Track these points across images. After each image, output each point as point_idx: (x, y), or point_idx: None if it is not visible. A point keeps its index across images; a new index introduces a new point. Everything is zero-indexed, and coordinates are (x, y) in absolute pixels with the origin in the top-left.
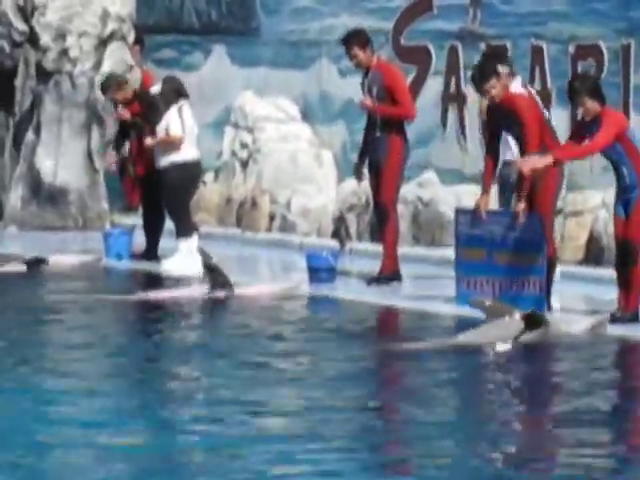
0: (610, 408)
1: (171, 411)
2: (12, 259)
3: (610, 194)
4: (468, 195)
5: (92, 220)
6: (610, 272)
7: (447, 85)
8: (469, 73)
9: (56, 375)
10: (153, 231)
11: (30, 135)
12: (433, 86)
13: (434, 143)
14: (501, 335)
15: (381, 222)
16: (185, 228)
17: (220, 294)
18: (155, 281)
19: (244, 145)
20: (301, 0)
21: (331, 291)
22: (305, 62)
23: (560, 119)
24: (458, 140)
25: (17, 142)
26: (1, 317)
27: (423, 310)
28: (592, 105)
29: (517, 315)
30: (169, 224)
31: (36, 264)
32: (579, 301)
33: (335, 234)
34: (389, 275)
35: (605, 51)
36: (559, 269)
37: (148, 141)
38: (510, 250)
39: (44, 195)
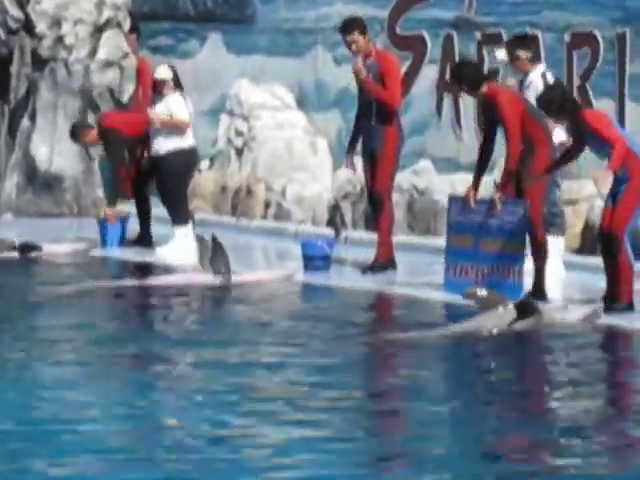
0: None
1: (162, 397)
2: (4, 245)
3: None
4: (463, 183)
5: (87, 207)
6: None
7: (442, 73)
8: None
9: (48, 363)
10: (146, 218)
11: (25, 122)
12: (428, 74)
13: (429, 131)
14: (495, 324)
15: (376, 210)
16: (181, 215)
17: (215, 279)
18: (148, 268)
19: (239, 133)
20: None
21: (326, 279)
22: (300, 50)
23: None
24: (453, 129)
25: (12, 129)
26: None
27: (417, 298)
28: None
29: (510, 305)
30: (159, 211)
31: (28, 250)
32: (575, 289)
33: (330, 222)
34: (384, 263)
35: (601, 40)
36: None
37: (155, 120)
38: (493, 237)
39: (39, 182)
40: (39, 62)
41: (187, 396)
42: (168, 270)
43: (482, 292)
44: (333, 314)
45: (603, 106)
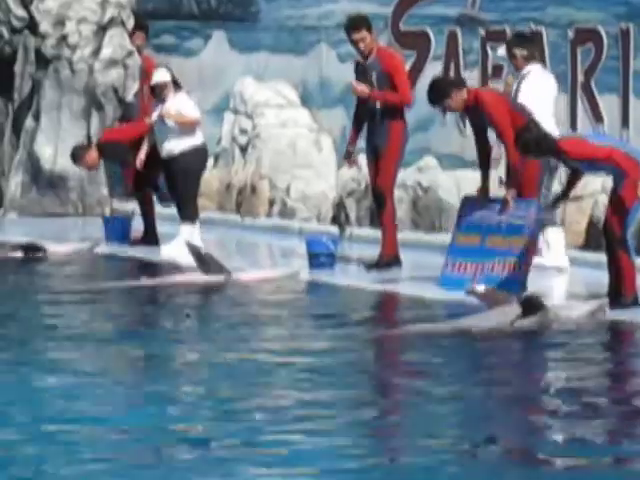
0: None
1: (167, 392)
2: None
3: (609, 179)
4: (468, 180)
5: (92, 206)
6: None
7: (446, 70)
8: (468, 58)
9: (54, 363)
10: (150, 217)
11: (30, 121)
12: (432, 71)
13: (434, 128)
14: (500, 321)
15: (379, 207)
16: (190, 214)
17: (219, 279)
18: (154, 267)
19: (243, 131)
20: None
21: (330, 276)
22: (304, 47)
23: (559, 104)
24: (458, 125)
25: (16, 128)
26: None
27: (421, 296)
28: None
29: (515, 301)
30: (165, 209)
31: (32, 251)
32: (579, 286)
33: (335, 219)
34: (388, 260)
35: (604, 36)
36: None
37: (167, 116)
38: (503, 235)
39: (44, 181)
40: (43, 61)
41: (190, 395)
42: (173, 269)
43: (481, 288)
44: (336, 311)
45: (607, 102)
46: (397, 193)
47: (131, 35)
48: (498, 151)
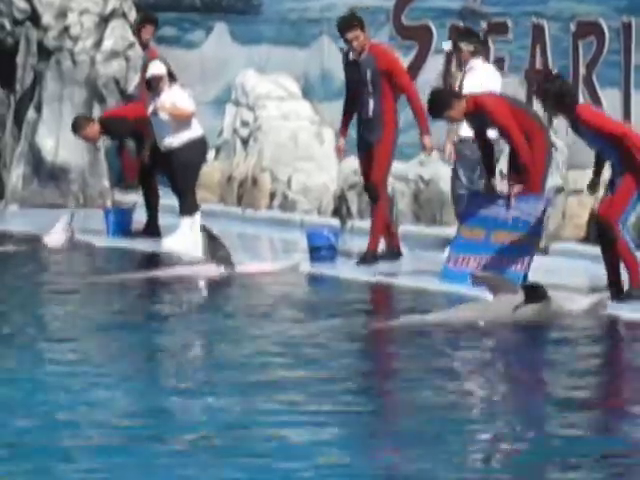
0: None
1: (168, 382)
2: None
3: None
4: None
5: (93, 198)
6: None
7: (448, 63)
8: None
9: (57, 354)
10: (153, 208)
11: (31, 113)
12: (434, 64)
13: (435, 121)
14: (502, 310)
15: (372, 202)
16: (190, 206)
17: (220, 269)
18: (154, 259)
19: (245, 123)
20: None
21: (331, 269)
22: (306, 40)
23: None
24: None
25: (18, 120)
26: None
27: (421, 288)
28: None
29: (519, 289)
30: (166, 201)
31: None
32: (580, 279)
33: (336, 212)
34: (376, 254)
35: (606, 29)
36: (560, 246)
37: (161, 109)
38: (509, 230)
39: (45, 173)
40: (45, 53)
41: (193, 391)
42: (174, 261)
43: (488, 276)
44: (336, 304)
45: (609, 95)
46: (398, 186)
47: (139, 29)
48: (497, 147)
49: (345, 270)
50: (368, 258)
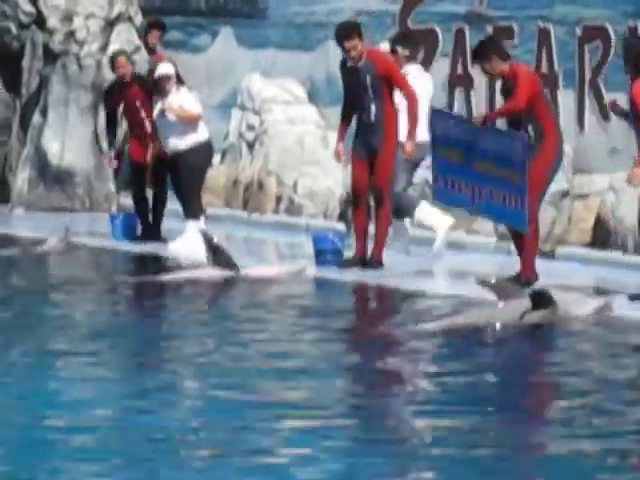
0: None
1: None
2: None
3: (617, 177)
4: None
5: (99, 202)
6: (618, 255)
7: (454, 67)
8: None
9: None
10: (160, 212)
11: (37, 117)
12: (440, 68)
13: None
14: (509, 315)
15: (376, 207)
16: (195, 210)
17: (225, 273)
18: (160, 263)
19: (251, 127)
20: None
21: (336, 273)
22: (312, 44)
23: (567, 101)
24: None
25: (24, 124)
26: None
27: (428, 292)
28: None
29: (526, 295)
30: (171, 205)
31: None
32: (586, 284)
33: (342, 216)
34: (379, 260)
35: (612, 33)
36: (566, 251)
37: (169, 110)
38: (490, 161)
39: (51, 177)
40: (51, 57)
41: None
42: (179, 265)
43: (493, 280)
44: (342, 308)
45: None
46: None
47: (146, 33)
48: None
49: (350, 274)
50: (373, 262)
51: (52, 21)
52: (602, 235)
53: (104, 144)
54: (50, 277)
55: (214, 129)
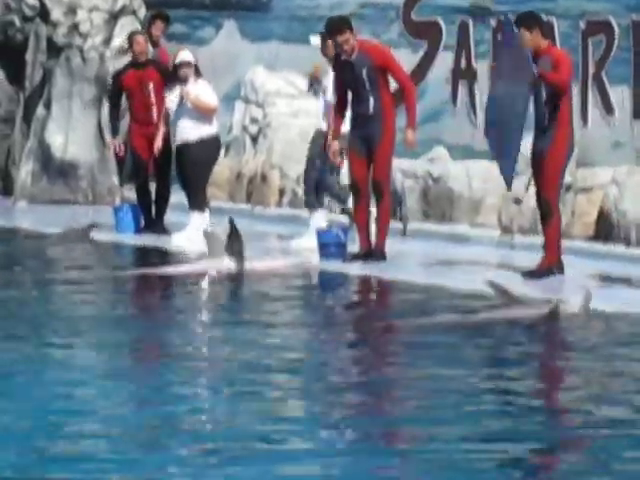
0: None
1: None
2: None
3: (620, 171)
4: (478, 170)
5: (102, 195)
6: (620, 248)
7: (458, 61)
8: (479, 49)
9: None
10: (163, 205)
11: (41, 110)
12: (443, 61)
13: (444, 119)
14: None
15: (376, 199)
16: (201, 203)
17: (229, 266)
18: (164, 255)
19: (254, 120)
20: None
21: (340, 266)
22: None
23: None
24: (468, 116)
25: (27, 117)
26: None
27: (430, 285)
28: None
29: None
30: (175, 198)
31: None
32: (589, 277)
33: (345, 210)
34: (381, 254)
35: (616, 27)
36: (569, 244)
37: (187, 95)
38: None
39: (54, 170)
40: (54, 50)
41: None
42: (183, 257)
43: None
44: (348, 301)
45: (618, 93)
46: (408, 183)
47: (150, 25)
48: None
49: (354, 267)
50: (377, 255)
51: (56, 14)
52: (605, 228)
53: (108, 136)
54: (51, 269)
55: (218, 122)
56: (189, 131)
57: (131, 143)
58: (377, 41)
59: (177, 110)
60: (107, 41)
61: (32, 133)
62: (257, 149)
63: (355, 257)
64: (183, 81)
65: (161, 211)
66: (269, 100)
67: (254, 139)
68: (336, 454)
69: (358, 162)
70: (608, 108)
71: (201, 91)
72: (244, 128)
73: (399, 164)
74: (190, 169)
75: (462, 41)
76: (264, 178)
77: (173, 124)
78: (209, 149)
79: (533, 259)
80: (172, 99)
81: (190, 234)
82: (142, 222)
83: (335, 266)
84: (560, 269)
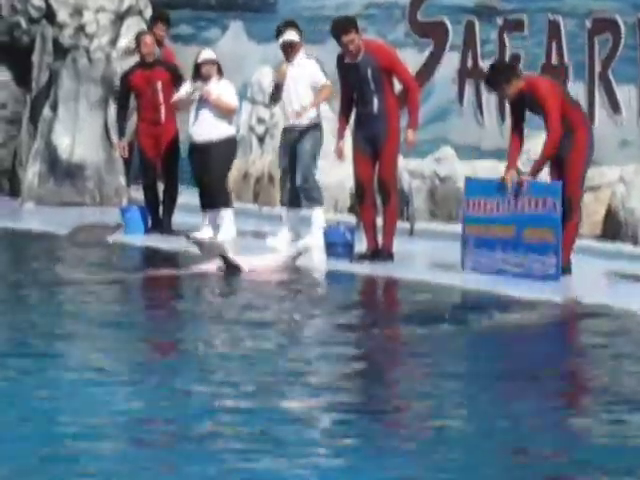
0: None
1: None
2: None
3: (628, 169)
4: (485, 170)
5: (109, 196)
6: (628, 247)
7: (464, 60)
8: (486, 48)
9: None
10: (171, 205)
11: (47, 111)
12: (450, 61)
13: (451, 118)
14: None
15: (383, 200)
16: (227, 199)
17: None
18: (171, 256)
19: (261, 120)
20: None
21: (347, 266)
22: (322, 37)
23: (577, 94)
24: (475, 115)
25: (34, 118)
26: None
27: (438, 285)
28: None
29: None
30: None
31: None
32: (596, 275)
33: (352, 209)
34: (389, 254)
35: (622, 25)
36: (577, 243)
37: (211, 93)
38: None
39: (61, 171)
40: (61, 51)
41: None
42: (192, 258)
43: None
44: (357, 301)
45: (625, 92)
46: (415, 183)
47: (152, 26)
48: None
49: (361, 267)
50: (383, 255)
51: (62, 15)
52: (613, 227)
53: (114, 136)
54: (58, 270)
55: None
56: (211, 130)
57: (139, 143)
58: (383, 41)
59: (197, 108)
60: (113, 42)
61: (39, 134)
62: (264, 149)
63: (362, 257)
64: (205, 79)
65: (169, 211)
66: None
67: (261, 139)
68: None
69: (363, 162)
70: (615, 107)
71: (223, 90)
72: (251, 128)
73: (406, 164)
74: (214, 168)
75: (468, 41)
76: (271, 178)
77: (189, 122)
78: (231, 148)
79: None
80: (183, 93)
81: (228, 229)
82: (149, 223)
83: (342, 266)
84: (568, 269)
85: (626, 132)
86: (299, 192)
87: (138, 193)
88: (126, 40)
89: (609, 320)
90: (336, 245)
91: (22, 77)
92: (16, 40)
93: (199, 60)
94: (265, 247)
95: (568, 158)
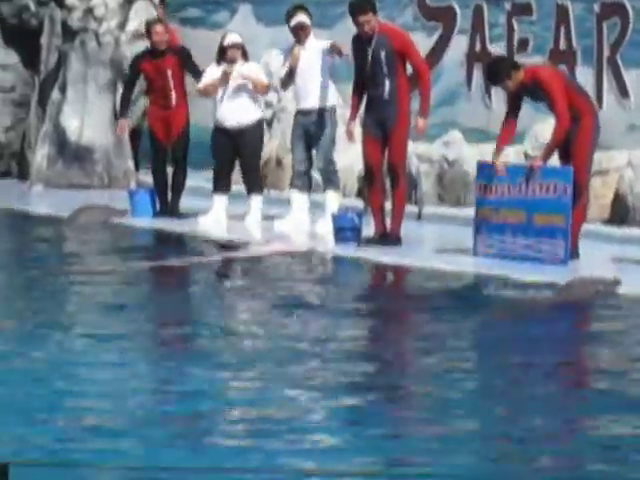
0: None
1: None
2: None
3: (636, 154)
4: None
5: (118, 178)
6: (636, 231)
7: (472, 44)
8: (494, 32)
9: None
10: (178, 188)
11: (56, 94)
12: (458, 45)
13: (459, 102)
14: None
15: (392, 184)
16: (260, 185)
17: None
18: (179, 240)
19: (269, 104)
20: None
21: (355, 251)
22: (330, 21)
23: (585, 78)
24: (483, 99)
25: (43, 101)
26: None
27: (447, 270)
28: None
29: None
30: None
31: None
32: (605, 260)
33: (360, 193)
34: (397, 238)
35: (630, 10)
36: (585, 227)
37: (244, 73)
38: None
39: (70, 154)
40: (69, 34)
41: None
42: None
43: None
44: (367, 286)
45: (633, 76)
46: (423, 167)
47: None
48: None
49: (369, 252)
50: (392, 239)
51: None
52: (621, 211)
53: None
54: (66, 252)
55: None
56: (242, 115)
57: (150, 126)
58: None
59: (224, 92)
60: (122, 25)
61: (47, 117)
62: (272, 133)
63: (370, 241)
64: (230, 63)
65: (177, 195)
66: None
67: (269, 123)
68: None
69: (372, 145)
70: (623, 91)
71: (252, 71)
72: None
73: (414, 148)
74: (249, 152)
75: (477, 25)
76: (279, 162)
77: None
78: (261, 131)
79: None
80: (209, 78)
81: (257, 216)
82: (158, 206)
83: (349, 251)
84: (576, 254)
85: (634, 116)
86: (320, 174)
87: (146, 176)
88: (135, 24)
89: (615, 303)
90: (344, 230)
91: (30, 60)
92: (25, 23)
93: (225, 44)
94: (273, 230)
95: (575, 143)
